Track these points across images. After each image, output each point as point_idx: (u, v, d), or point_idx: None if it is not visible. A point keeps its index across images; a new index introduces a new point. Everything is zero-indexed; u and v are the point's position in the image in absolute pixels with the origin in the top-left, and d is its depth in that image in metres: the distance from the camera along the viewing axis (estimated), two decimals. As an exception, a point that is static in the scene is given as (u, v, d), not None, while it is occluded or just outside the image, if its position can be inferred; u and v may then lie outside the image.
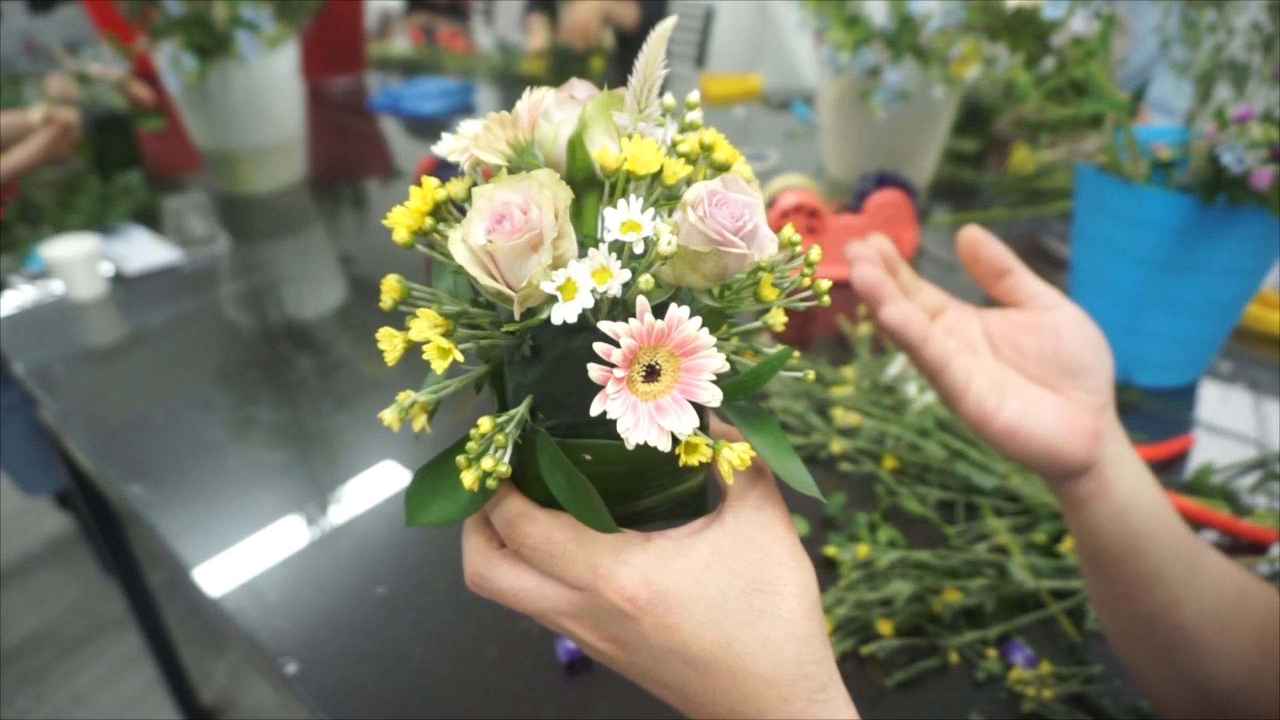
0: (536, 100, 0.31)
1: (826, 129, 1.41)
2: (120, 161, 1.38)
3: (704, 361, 0.27)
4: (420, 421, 0.33)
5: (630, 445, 0.26)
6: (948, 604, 0.59)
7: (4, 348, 0.99)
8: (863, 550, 0.61)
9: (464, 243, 0.27)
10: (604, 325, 0.26)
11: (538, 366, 0.30)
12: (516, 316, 0.28)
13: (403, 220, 0.29)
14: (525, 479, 0.32)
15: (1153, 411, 0.84)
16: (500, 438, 0.30)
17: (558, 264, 0.27)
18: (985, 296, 0.47)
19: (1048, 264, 1.15)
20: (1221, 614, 0.43)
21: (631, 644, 0.30)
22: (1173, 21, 0.81)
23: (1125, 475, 0.42)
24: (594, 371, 0.27)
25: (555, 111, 0.31)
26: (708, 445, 0.29)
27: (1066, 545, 0.64)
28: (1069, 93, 0.71)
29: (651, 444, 0.26)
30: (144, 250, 1.18)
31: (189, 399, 0.91)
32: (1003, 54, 0.73)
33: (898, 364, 0.86)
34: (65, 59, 1.42)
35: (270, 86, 1.30)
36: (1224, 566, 0.44)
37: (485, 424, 0.30)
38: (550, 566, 0.30)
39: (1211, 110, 0.72)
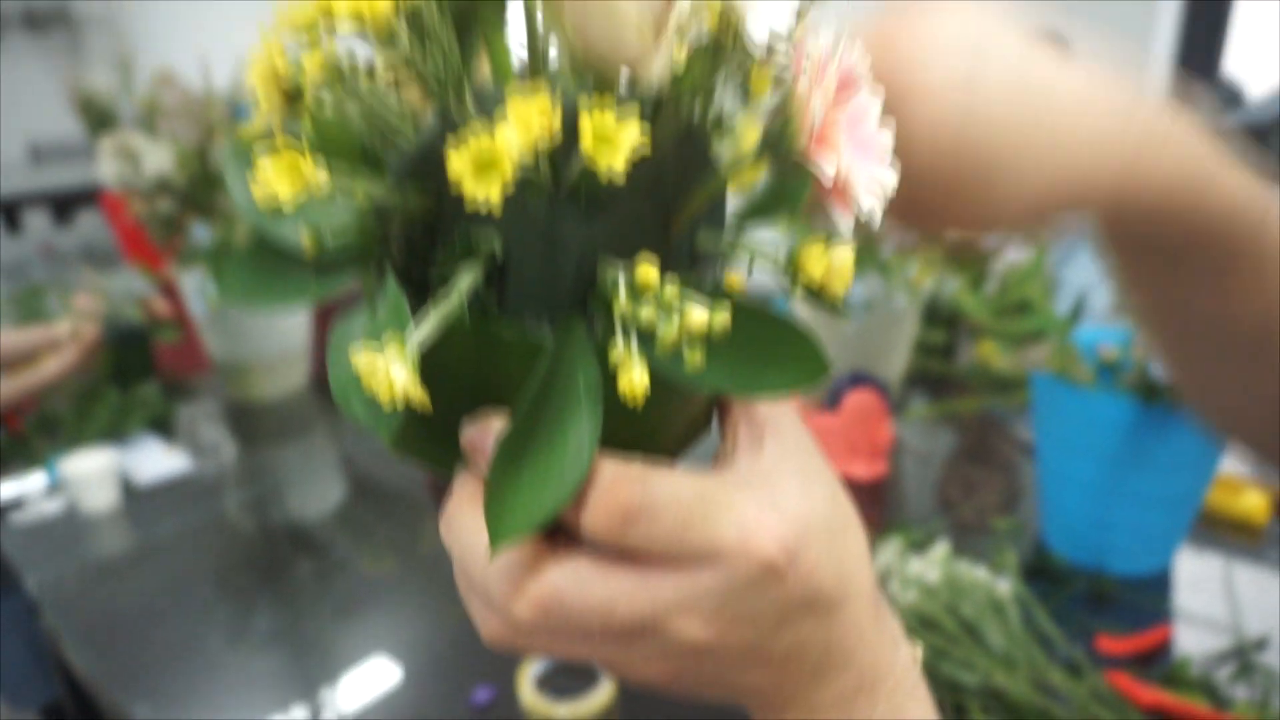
0: None
1: (803, 326, 1.51)
2: (137, 372, 1.45)
3: (871, 137, 0.22)
4: (399, 373, 0.21)
5: (864, 207, 0.21)
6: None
7: (15, 561, 1.02)
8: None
9: None
10: (800, 50, 0.21)
11: (609, 211, 0.22)
12: (654, 76, 0.21)
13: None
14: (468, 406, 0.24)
15: (1128, 601, 0.87)
16: (670, 290, 0.22)
17: None
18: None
19: (1019, 452, 1.21)
20: None
21: (764, 615, 0.24)
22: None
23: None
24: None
25: None
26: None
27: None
28: (1014, 311, 0.80)
29: (864, 208, 0.21)
30: (157, 460, 1.23)
31: (192, 609, 0.94)
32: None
33: (881, 561, 0.90)
34: (92, 277, 1.53)
35: (284, 302, 1.40)
36: None
37: (652, 274, 0.22)
38: (683, 538, 0.23)
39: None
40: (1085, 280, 1.59)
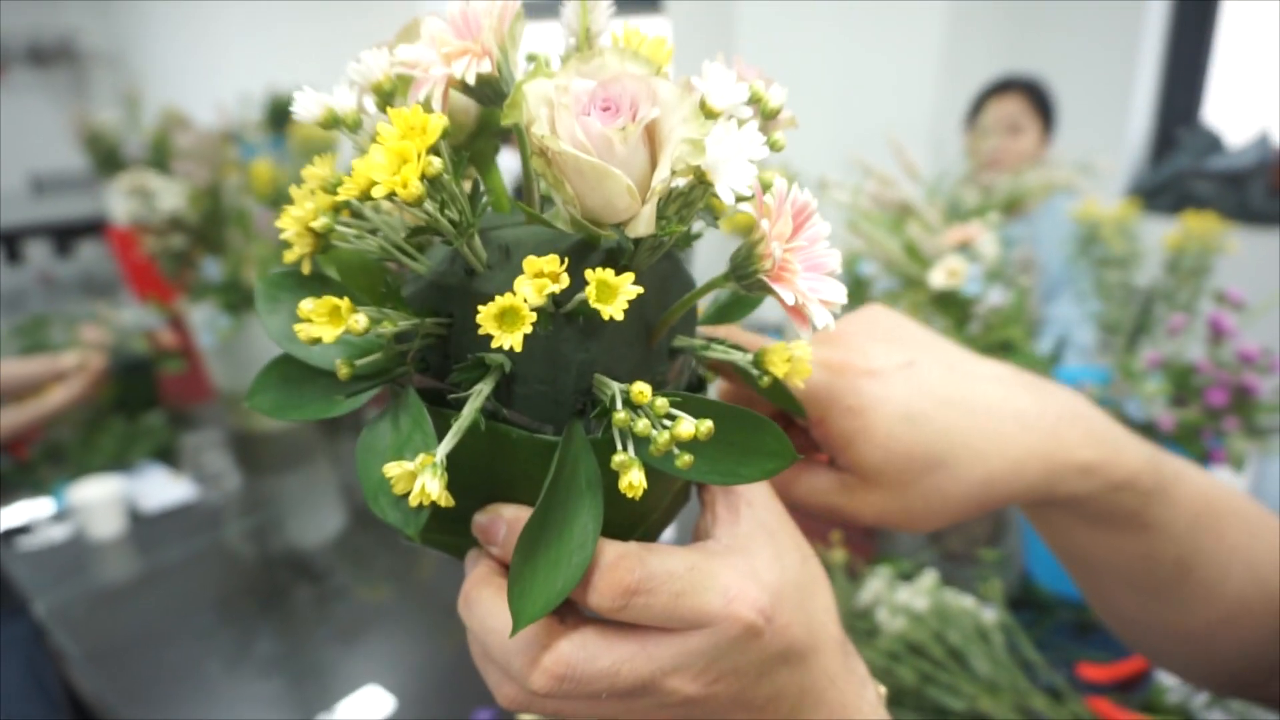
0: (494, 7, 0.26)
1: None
2: (142, 402, 1.48)
3: (822, 257, 0.26)
4: (433, 485, 0.24)
5: (819, 324, 0.25)
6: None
7: (23, 586, 1.04)
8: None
9: (550, 147, 0.23)
10: (759, 199, 0.24)
11: (602, 332, 0.25)
12: (641, 230, 0.24)
13: (399, 169, 0.23)
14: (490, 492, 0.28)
15: (1110, 631, 0.90)
16: (661, 403, 0.25)
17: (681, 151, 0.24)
18: None
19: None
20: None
21: (746, 669, 0.28)
22: (1084, 280, 0.96)
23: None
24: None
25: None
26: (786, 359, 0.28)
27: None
28: (997, 350, 0.84)
29: (818, 324, 0.25)
30: (162, 488, 1.25)
31: (195, 633, 0.96)
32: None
33: (870, 589, 0.92)
34: (100, 308, 1.56)
35: (289, 334, 1.44)
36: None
37: (645, 392, 0.24)
38: (675, 606, 0.27)
39: (1119, 353, 0.84)
40: (1068, 316, 1.63)
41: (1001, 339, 0.82)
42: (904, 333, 0.39)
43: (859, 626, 0.87)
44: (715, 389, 0.37)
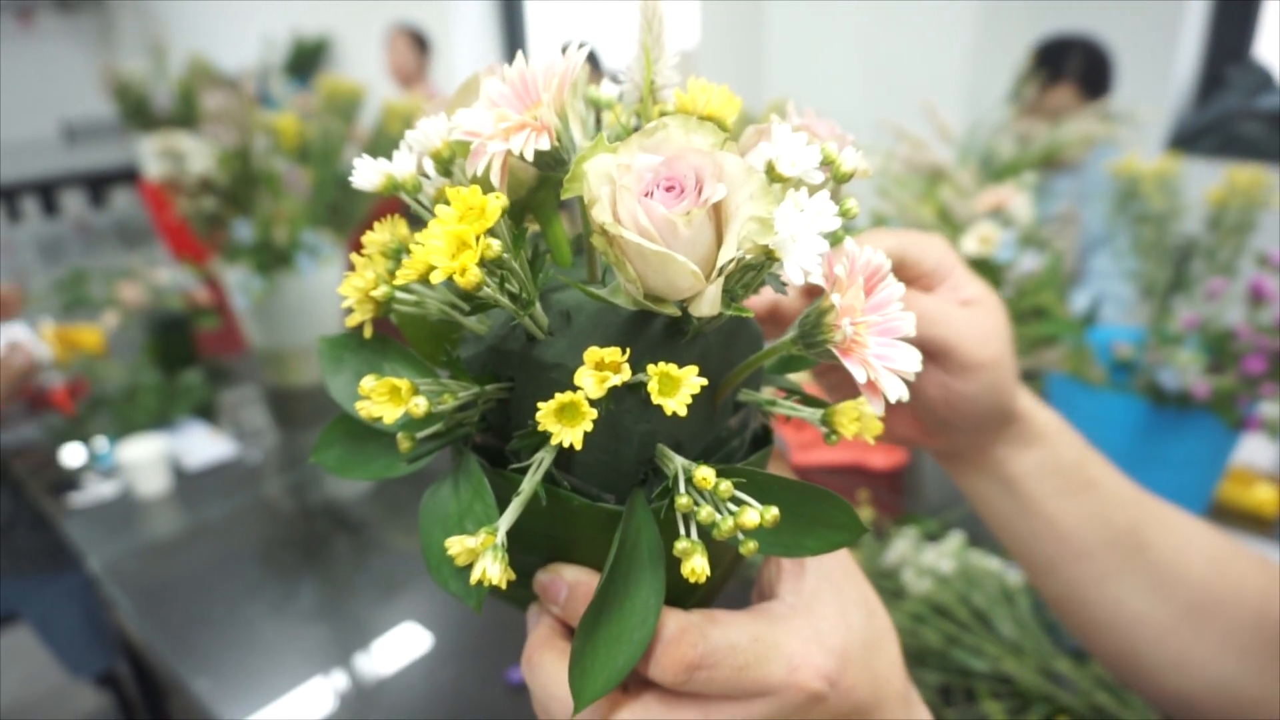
0: (553, 66, 0.26)
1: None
2: (180, 359, 1.51)
3: (894, 321, 0.25)
4: (494, 569, 0.24)
5: (892, 399, 0.24)
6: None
7: (79, 541, 1.08)
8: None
9: (615, 227, 0.23)
10: (830, 268, 0.23)
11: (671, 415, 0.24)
12: (706, 310, 0.24)
13: (457, 254, 0.23)
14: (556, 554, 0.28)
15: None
16: (725, 487, 0.24)
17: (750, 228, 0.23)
18: None
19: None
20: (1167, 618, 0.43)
21: None
22: (1121, 238, 0.94)
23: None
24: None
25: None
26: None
27: (1056, 730, 0.70)
28: (1030, 316, 0.83)
29: (891, 397, 0.24)
30: (203, 445, 1.29)
31: (239, 584, 1.00)
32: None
33: (897, 549, 0.93)
34: (138, 266, 1.58)
35: (321, 292, 1.45)
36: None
37: (709, 478, 0.24)
38: (739, 679, 0.26)
39: (1154, 317, 0.83)
40: (1108, 270, 1.60)
41: (1034, 304, 0.81)
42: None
43: (885, 586, 0.88)
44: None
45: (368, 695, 0.82)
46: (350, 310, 0.27)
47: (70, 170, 4.60)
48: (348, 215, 1.52)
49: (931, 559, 0.87)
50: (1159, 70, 2.31)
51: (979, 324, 0.39)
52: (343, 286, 0.27)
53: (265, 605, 0.96)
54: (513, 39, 4.04)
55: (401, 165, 0.27)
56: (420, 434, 0.27)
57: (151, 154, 1.24)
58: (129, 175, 3.98)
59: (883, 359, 0.24)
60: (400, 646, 0.88)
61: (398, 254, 0.25)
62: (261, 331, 1.46)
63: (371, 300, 0.27)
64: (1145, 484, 0.88)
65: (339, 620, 0.93)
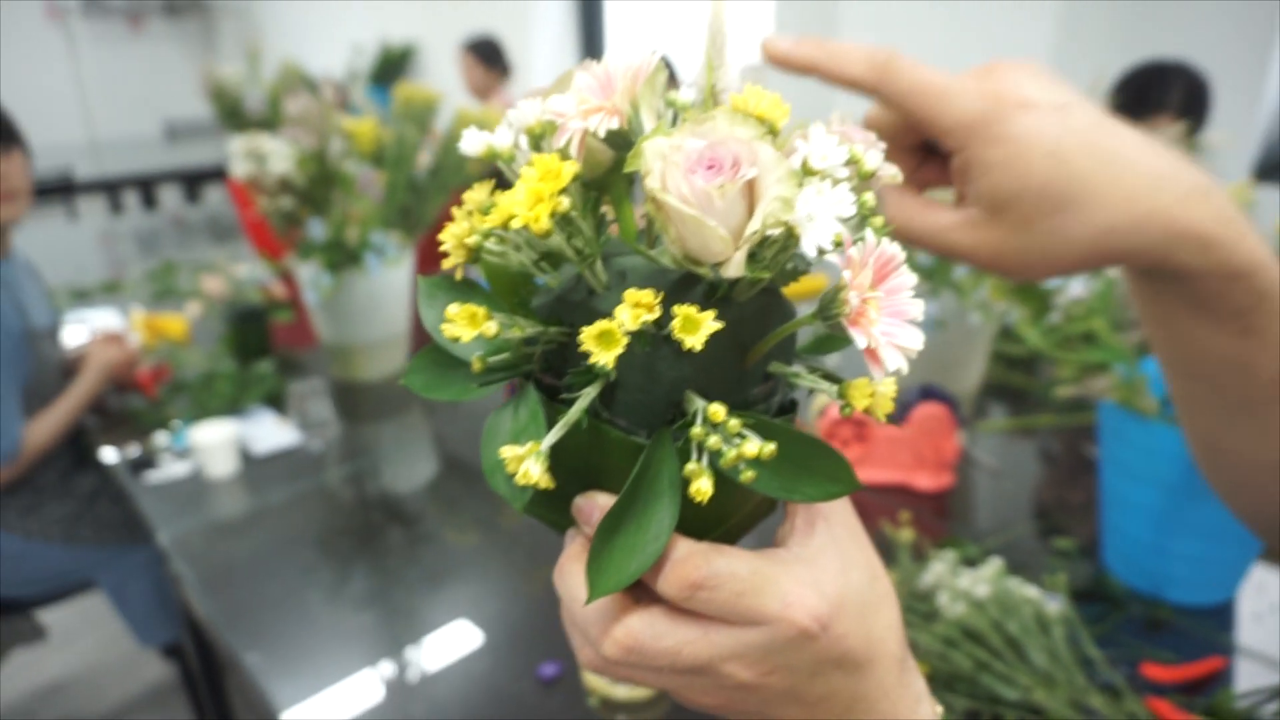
0: (633, 63, 0.31)
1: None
2: (255, 350, 1.59)
3: (904, 306, 0.28)
4: (535, 469, 0.29)
5: (889, 368, 0.27)
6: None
7: (151, 517, 1.15)
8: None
9: (661, 194, 0.27)
10: (847, 252, 0.27)
11: (696, 354, 0.28)
12: (732, 272, 0.28)
13: (534, 206, 0.28)
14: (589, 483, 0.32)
15: (1184, 629, 0.88)
16: (733, 424, 0.28)
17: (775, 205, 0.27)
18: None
19: (1086, 472, 1.21)
20: None
21: (799, 668, 0.30)
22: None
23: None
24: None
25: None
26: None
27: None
28: (1078, 341, 0.82)
29: (889, 367, 0.27)
30: (271, 433, 1.35)
31: (297, 567, 1.05)
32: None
33: (934, 571, 0.93)
34: (221, 262, 1.67)
35: (387, 291, 1.51)
36: None
37: (720, 412, 0.28)
38: (735, 604, 0.29)
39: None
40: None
41: (1084, 329, 0.79)
42: (1060, 84, 0.39)
43: (918, 609, 0.87)
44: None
45: (408, 681, 0.86)
46: (446, 254, 0.32)
47: (170, 167, 4.85)
48: (418, 218, 1.58)
49: (967, 583, 0.86)
50: (1249, 93, 2.23)
51: (966, 83, 0.37)
52: (442, 233, 0.32)
53: (319, 589, 1.01)
54: (591, 51, 4.11)
55: (501, 138, 0.32)
56: (492, 359, 0.32)
57: (237, 154, 1.31)
58: (222, 173, 4.17)
59: (888, 335, 0.28)
60: (441, 638, 0.92)
61: (488, 211, 0.30)
62: (329, 327, 1.52)
63: (465, 247, 0.32)
64: (1196, 517, 0.87)
65: (386, 609, 0.97)
